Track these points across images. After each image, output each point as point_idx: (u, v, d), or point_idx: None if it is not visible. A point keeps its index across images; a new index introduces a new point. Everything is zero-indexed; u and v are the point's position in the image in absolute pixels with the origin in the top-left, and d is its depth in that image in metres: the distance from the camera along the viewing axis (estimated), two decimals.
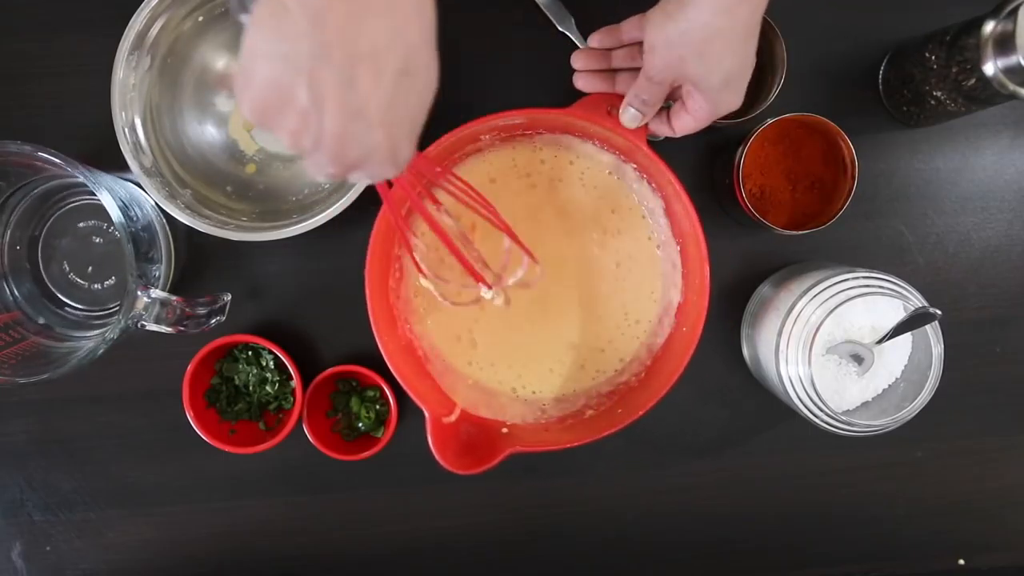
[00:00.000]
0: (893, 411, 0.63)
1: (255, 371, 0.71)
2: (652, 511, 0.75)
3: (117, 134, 0.64)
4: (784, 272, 0.70)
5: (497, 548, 0.75)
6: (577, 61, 0.65)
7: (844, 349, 0.64)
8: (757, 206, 0.66)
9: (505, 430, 0.65)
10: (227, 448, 0.69)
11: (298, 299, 0.73)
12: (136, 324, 0.60)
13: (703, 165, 0.72)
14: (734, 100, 0.57)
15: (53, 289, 0.71)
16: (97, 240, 0.71)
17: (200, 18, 0.68)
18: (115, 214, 0.60)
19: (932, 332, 0.62)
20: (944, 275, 0.73)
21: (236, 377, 0.71)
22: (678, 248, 0.66)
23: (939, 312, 0.61)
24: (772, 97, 0.63)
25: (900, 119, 0.71)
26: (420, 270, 0.59)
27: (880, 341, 0.63)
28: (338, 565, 0.75)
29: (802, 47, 0.66)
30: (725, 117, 0.66)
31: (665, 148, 0.70)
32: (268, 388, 0.71)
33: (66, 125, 0.71)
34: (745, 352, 0.72)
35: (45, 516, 0.74)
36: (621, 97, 0.63)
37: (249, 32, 0.39)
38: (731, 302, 0.72)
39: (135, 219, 0.63)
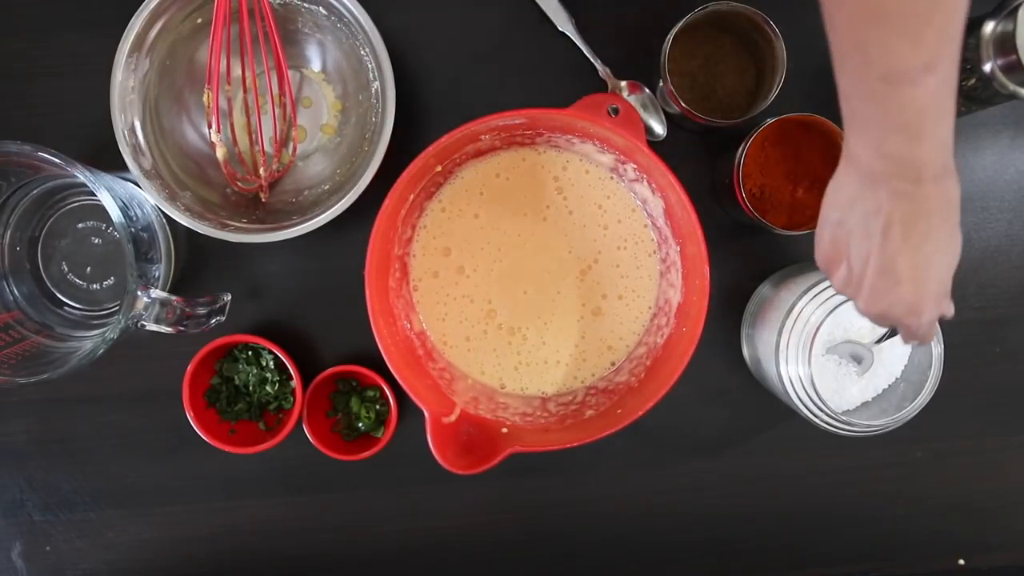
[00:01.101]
0: (893, 411, 0.63)
1: (255, 371, 0.71)
2: (652, 511, 0.75)
3: (117, 136, 0.64)
4: (784, 272, 0.70)
5: (497, 548, 0.75)
6: None
7: (844, 349, 0.64)
8: (757, 206, 0.66)
9: (505, 430, 0.65)
10: (227, 448, 0.69)
11: (298, 299, 0.73)
12: (136, 324, 0.60)
13: (703, 165, 0.72)
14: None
15: (52, 289, 0.71)
16: (96, 240, 0.71)
17: (199, 20, 0.68)
18: (115, 214, 0.60)
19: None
20: None
21: (236, 377, 0.71)
22: (678, 248, 0.66)
23: None
24: (772, 97, 0.63)
25: None
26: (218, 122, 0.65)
27: (879, 341, 0.63)
28: (338, 565, 0.75)
29: (802, 47, 0.66)
30: (725, 117, 0.66)
31: (665, 148, 0.70)
32: (268, 388, 0.71)
33: (66, 125, 0.71)
34: (745, 352, 0.72)
35: (45, 516, 0.74)
36: (618, 96, 0.63)
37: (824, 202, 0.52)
38: (731, 302, 0.72)
39: (135, 219, 0.63)
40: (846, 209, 0.49)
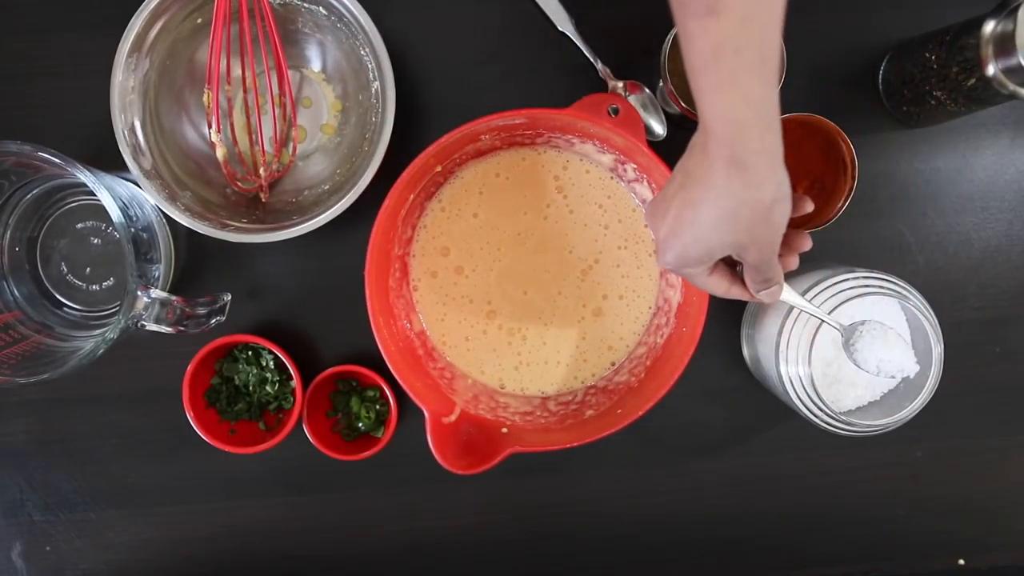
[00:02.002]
0: (893, 411, 0.63)
1: (255, 371, 0.71)
2: (652, 511, 0.75)
3: (117, 137, 0.64)
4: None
5: (497, 548, 0.75)
6: None
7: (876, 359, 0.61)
8: None
9: (505, 430, 0.65)
10: (227, 448, 0.69)
11: (298, 299, 0.73)
12: (136, 324, 0.60)
13: None
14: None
15: (51, 290, 0.71)
16: (95, 241, 0.71)
17: (199, 20, 0.68)
18: (115, 214, 0.60)
19: (932, 332, 0.62)
20: (944, 275, 0.73)
21: (236, 377, 0.71)
22: None
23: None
24: None
25: (900, 119, 0.71)
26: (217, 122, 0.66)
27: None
28: (338, 565, 0.75)
29: (802, 47, 0.66)
30: None
31: (665, 148, 0.70)
32: (268, 388, 0.71)
33: (66, 125, 0.71)
34: (745, 352, 0.72)
35: (45, 516, 0.74)
36: (618, 96, 0.63)
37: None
38: (731, 302, 0.72)
39: (135, 219, 0.63)
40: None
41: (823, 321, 0.60)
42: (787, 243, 0.53)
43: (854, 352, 0.60)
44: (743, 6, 0.40)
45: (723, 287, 0.54)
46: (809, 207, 0.54)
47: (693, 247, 0.49)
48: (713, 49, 0.41)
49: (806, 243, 0.55)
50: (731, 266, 0.55)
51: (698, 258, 0.50)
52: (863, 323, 0.60)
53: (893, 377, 0.61)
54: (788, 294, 0.58)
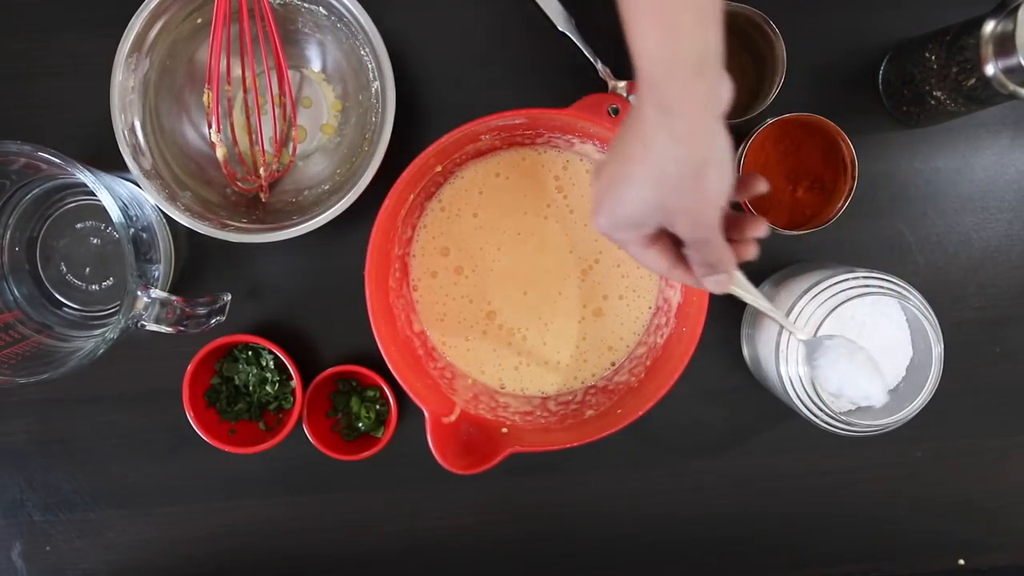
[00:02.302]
0: (893, 411, 0.63)
1: (255, 371, 0.71)
2: (652, 511, 0.75)
3: (117, 137, 0.64)
4: (784, 272, 0.70)
5: (497, 548, 0.75)
6: None
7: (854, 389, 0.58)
8: (757, 206, 0.66)
9: (505, 430, 0.65)
10: (227, 448, 0.69)
11: (298, 299, 0.73)
12: (136, 324, 0.60)
13: None
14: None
15: (51, 290, 0.71)
16: (95, 241, 0.71)
17: (199, 20, 0.68)
18: (115, 214, 0.60)
19: (932, 332, 0.62)
20: (944, 275, 0.73)
21: (236, 377, 0.71)
22: None
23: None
24: (772, 97, 0.63)
25: (900, 119, 0.71)
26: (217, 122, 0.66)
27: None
28: (338, 565, 0.75)
29: (802, 47, 0.66)
30: (726, 117, 0.66)
31: None
32: (268, 388, 0.71)
33: (66, 125, 0.71)
34: (745, 352, 0.72)
35: (45, 516, 0.74)
36: (618, 96, 0.63)
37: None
38: (731, 302, 0.72)
39: (135, 219, 0.63)
40: None
41: (782, 327, 0.58)
42: (739, 227, 0.49)
43: (815, 368, 0.57)
44: None
45: (663, 264, 0.49)
46: (763, 187, 0.50)
47: (621, 207, 0.46)
48: None
49: (760, 228, 0.50)
50: (678, 244, 0.50)
51: (627, 221, 0.46)
52: (830, 338, 0.58)
53: (856, 406, 0.59)
54: (741, 287, 0.53)
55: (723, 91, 0.42)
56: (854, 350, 0.57)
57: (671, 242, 0.49)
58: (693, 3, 0.39)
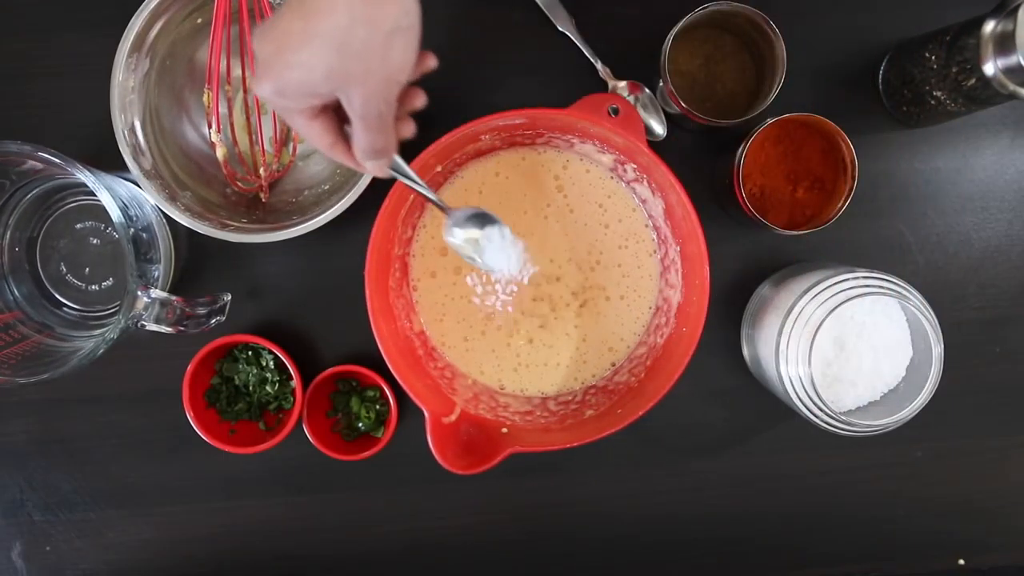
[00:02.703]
0: (893, 411, 0.63)
1: (255, 371, 0.71)
2: (652, 511, 0.75)
3: (117, 137, 0.64)
4: (784, 272, 0.70)
5: (497, 548, 0.75)
6: None
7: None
8: (757, 206, 0.66)
9: (505, 430, 0.65)
10: (227, 448, 0.69)
11: (298, 299, 0.73)
12: (136, 324, 0.60)
13: (703, 165, 0.72)
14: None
15: (51, 290, 0.71)
16: (94, 241, 0.71)
17: (199, 20, 0.68)
18: (115, 214, 0.60)
19: (932, 332, 0.62)
20: (944, 275, 0.73)
21: (236, 377, 0.71)
22: (678, 248, 0.66)
23: None
24: (772, 97, 0.63)
25: (900, 119, 0.71)
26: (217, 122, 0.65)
27: None
28: (338, 565, 0.75)
29: (802, 47, 0.66)
30: (725, 117, 0.66)
31: (665, 148, 0.70)
32: (268, 388, 0.71)
33: (66, 125, 0.71)
34: (745, 352, 0.72)
35: (45, 516, 0.74)
36: (618, 96, 0.63)
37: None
38: (731, 302, 0.72)
39: (135, 219, 0.63)
40: None
41: (433, 202, 0.56)
42: (400, 100, 0.47)
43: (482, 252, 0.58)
44: None
45: (326, 140, 0.46)
46: (432, 63, 0.47)
47: (295, 71, 0.41)
48: None
49: (419, 99, 0.47)
50: (341, 121, 0.47)
51: (299, 88, 0.42)
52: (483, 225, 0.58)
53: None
54: (401, 171, 0.51)
55: None
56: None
57: (336, 117, 0.46)
58: None
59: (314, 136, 0.46)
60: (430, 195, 0.55)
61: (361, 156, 0.46)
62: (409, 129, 0.48)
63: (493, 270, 0.60)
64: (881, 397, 0.66)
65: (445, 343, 0.69)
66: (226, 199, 0.70)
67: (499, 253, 0.58)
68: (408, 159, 0.61)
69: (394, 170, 0.50)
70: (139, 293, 0.60)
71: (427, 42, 0.71)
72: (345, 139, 0.46)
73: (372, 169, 0.47)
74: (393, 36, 0.40)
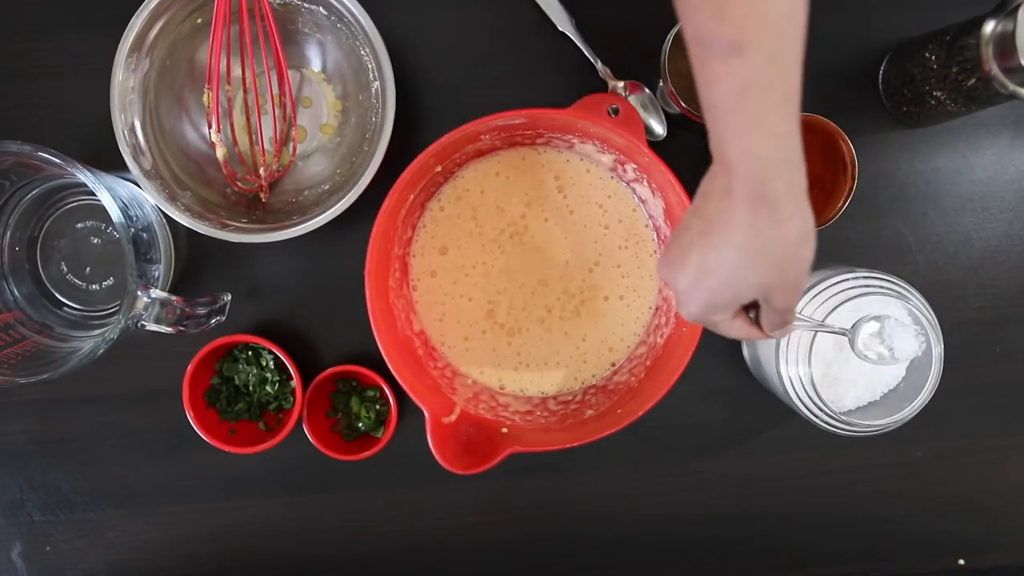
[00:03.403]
0: (893, 411, 0.63)
1: (255, 371, 0.71)
2: (652, 511, 0.75)
3: (117, 137, 0.64)
4: None
5: (497, 548, 0.75)
6: None
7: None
8: None
9: (505, 430, 0.65)
10: (227, 448, 0.69)
11: (298, 299, 0.73)
12: (136, 324, 0.60)
13: (703, 165, 0.71)
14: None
15: (52, 290, 0.71)
16: (95, 241, 0.71)
17: (199, 20, 0.68)
18: (115, 214, 0.60)
19: (932, 332, 0.62)
20: (944, 275, 0.73)
21: (236, 377, 0.71)
22: None
23: None
24: None
25: (900, 119, 0.71)
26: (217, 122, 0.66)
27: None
28: (338, 565, 0.75)
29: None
30: None
31: (665, 148, 0.70)
32: (268, 388, 0.71)
33: (66, 125, 0.71)
34: (745, 352, 0.72)
35: (45, 516, 0.74)
36: (618, 96, 0.63)
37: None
38: None
39: (135, 219, 0.63)
40: (704, 181, 0.49)
41: (830, 331, 0.59)
42: None
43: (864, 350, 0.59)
44: (769, 44, 0.40)
45: (745, 330, 0.52)
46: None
47: (721, 293, 0.47)
48: (739, 89, 0.40)
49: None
50: (745, 309, 0.53)
51: (726, 304, 0.48)
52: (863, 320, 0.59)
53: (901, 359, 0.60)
54: (800, 323, 0.57)
55: (805, 175, 0.44)
56: (885, 321, 0.59)
57: (746, 312, 0.52)
58: (785, 104, 0.41)
59: (737, 330, 0.52)
60: (827, 328, 0.58)
61: (769, 330, 0.51)
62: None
63: (903, 359, 0.59)
64: (881, 397, 0.66)
65: (445, 343, 0.69)
66: (226, 199, 0.70)
67: (905, 338, 0.59)
68: (408, 159, 0.61)
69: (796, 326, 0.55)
70: (139, 293, 0.60)
71: (427, 42, 0.71)
72: (756, 322, 0.52)
73: (779, 335, 0.52)
74: (800, 245, 0.44)
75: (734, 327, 0.52)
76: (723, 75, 0.40)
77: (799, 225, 0.44)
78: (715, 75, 0.41)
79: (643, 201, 0.68)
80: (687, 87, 0.68)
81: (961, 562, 0.76)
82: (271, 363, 0.71)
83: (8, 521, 0.74)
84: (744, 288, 0.47)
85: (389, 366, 0.63)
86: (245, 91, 0.70)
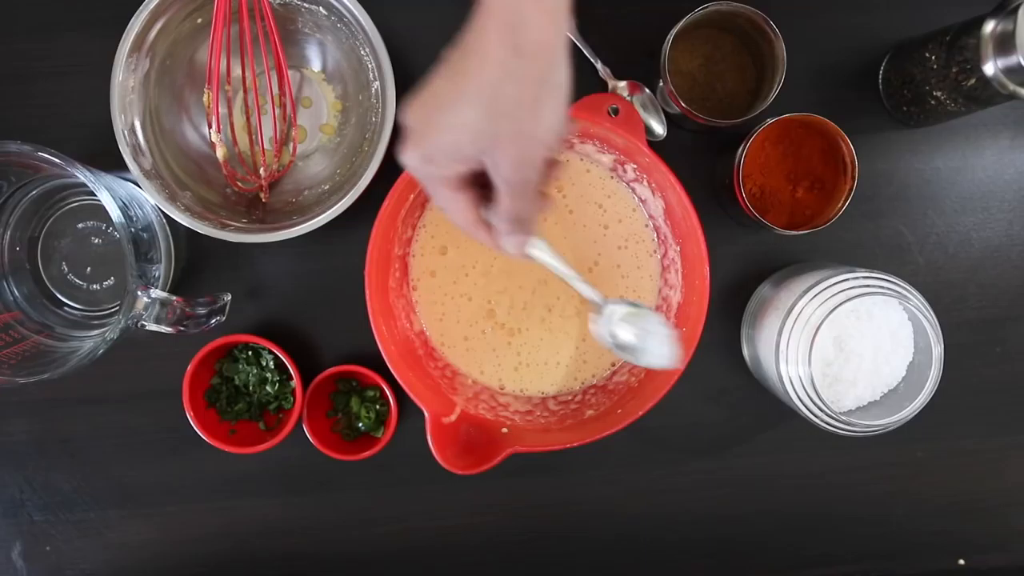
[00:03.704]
0: (893, 411, 0.63)
1: (255, 371, 0.71)
2: (652, 511, 0.75)
3: (117, 137, 0.64)
4: (784, 272, 0.70)
5: (497, 548, 0.75)
6: None
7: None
8: (757, 206, 0.66)
9: (505, 430, 0.65)
10: (227, 448, 0.69)
11: (298, 299, 0.73)
12: (136, 324, 0.60)
13: (703, 165, 0.72)
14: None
15: (52, 289, 0.71)
16: (96, 241, 0.71)
17: (199, 20, 0.68)
18: (115, 214, 0.60)
19: (932, 332, 0.62)
20: (944, 275, 0.73)
21: (236, 377, 0.71)
22: (678, 248, 0.66)
23: None
24: (772, 97, 0.63)
25: (900, 119, 0.71)
26: (217, 122, 0.65)
27: None
28: (338, 565, 0.75)
29: (802, 47, 0.66)
30: (725, 117, 0.66)
31: (665, 148, 0.70)
32: (268, 388, 0.71)
33: (66, 125, 0.71)
34: (745, 352, 0.72)
35: (45, 516, 0.74)
36: (618, 96, 0.63)
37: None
38: (731, 302, 0.72)
39: (135, 219, 0.63)
40: None
41: (590, 299, 0.55)
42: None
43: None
44: None
45: (470, 216, 0.44)
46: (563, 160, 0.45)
47: (443, 133, 0.40)
48: None
49: (561, 171, 0.46)
50: (482, 201, 0.45)
51: (447, 150, 0.41)
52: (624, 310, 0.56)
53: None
54: (541, 249, 0.49)
55: (567, 8, 0.38)
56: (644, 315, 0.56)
57: (479, 195, 0.45)
58: None
59: (458, 211, 0.44)
60: (586, 288, 0.54)
61: (503, 226, 0.44)
62: (548, 204, 0.45)
63: (654, 364, 0.56)
64: (881, 397, 0.66)
65: (445, 343, 0.69)
66: (226, 199, 0.70)
67: (662, 345, 0.55)
68: None
69: (534, 250, 0.48)
70: (139, 293, 0.60)
71: (427, 42, 0.71)
72: (486, 222, 0.45)
73: (511, 246, 0.45)
74: (542, 93, 0.38)
75: (457, 203, 0.44)
76: None
77: (543, 66, 0.38)
78: None
79: (643, 201, 0.68)
80: (687, 87, 0.68)
81: (961, 562, 0.76)
82: (271, 363, 0.71)
83: (8, 521, 0.74)
84: (468, 131, 0.39)
85: (389, 366, 0.63)
86: (245, 91, 0.70)
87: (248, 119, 0.70)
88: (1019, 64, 0.55)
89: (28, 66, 0.71)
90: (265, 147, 0.70)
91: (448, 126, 0.40)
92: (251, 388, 0.71)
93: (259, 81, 0.70)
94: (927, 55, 0.64)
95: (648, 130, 0.70)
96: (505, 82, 0.38)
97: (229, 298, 0.66)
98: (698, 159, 0.71)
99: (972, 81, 0.60)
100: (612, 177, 0.69)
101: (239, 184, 0.70)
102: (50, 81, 0.71)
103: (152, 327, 0.61)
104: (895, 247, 0.73)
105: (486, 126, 0.39)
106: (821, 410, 0.62)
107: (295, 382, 0.70)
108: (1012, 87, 0.57)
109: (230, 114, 0.70)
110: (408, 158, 0.42)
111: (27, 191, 0.69)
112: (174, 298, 0.61)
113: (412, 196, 0.65)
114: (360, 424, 0.72)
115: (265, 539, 0.75)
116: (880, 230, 0.73)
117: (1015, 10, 0.55)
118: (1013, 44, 0.55)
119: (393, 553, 0.75)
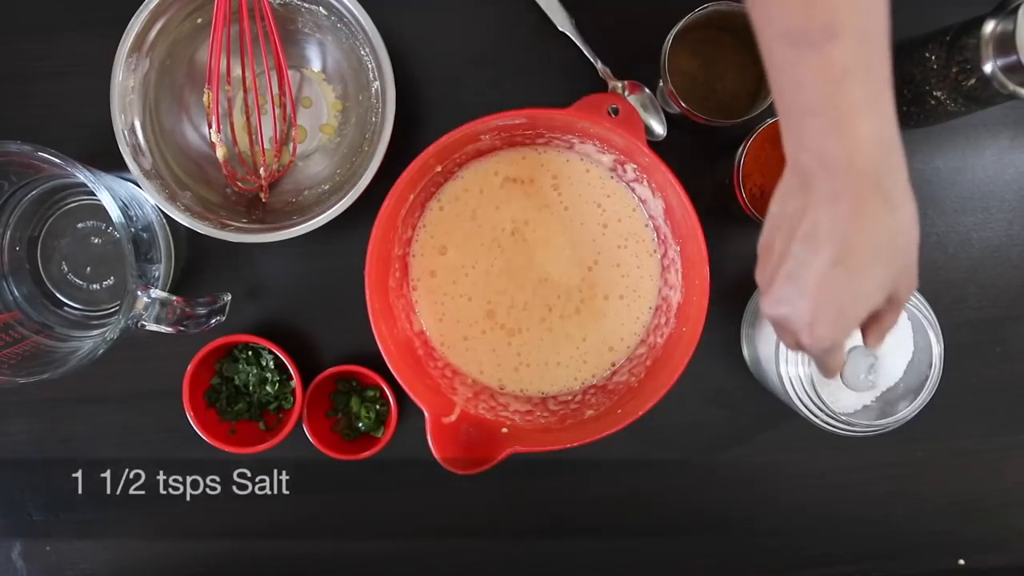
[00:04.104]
0: (893, 411, 0.63)
1: (255, 371, 0.71)
2: (651, 511, 0.75)
3: (117, 137, 0.64)
4: None
5: (497, 548, 0.75)
6: None
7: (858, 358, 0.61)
8: (757, 206, 0.66)
9: (505, 430, 0.65)
10: (227, 448, 0.69)
11: (298, 299, 0.73)
12: (136, 324, 0.60)
13: (703, 165, 0.72)
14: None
15: (52, 289, 0.71)
16: (96, 241, 0.71)
17: (199, 20, 0.68)
18: (115, 214, 0.60)
19: (932, 332, 0.62)
20: (944, 275, 0.73)
21: (236, 377, 0.71)
22: (678, 248, 0.66)
23: None
24: (772, 97, 0.63)
25: (900, 119, 0.71)
26: (217, 121, 0.66)
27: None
28: (338, 565, 0.75)
29: None
30: (725, 117, 0.66)
31: (665, 148, 0.70)
32: (268, 388, 0.71)
33: (66, 125, 0.71)
34: (745, 352, 0.72)
35: (45, 516, 0.74)
36: (618, 96, 0.63)
37: None
38: (731, 302, 0.72)
39: (135, 219, 0.63)
40: (780, 202, 0.46)
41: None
42: None
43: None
44: (863, 24, 0.40)
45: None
46: None
47: (852, 306, 0.44)
48: (841, 73, 0.39)
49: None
50: None
51: (858, 316, 0.44)
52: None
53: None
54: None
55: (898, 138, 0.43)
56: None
57: None
58: (888, 84, 0.41)
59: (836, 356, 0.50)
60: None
61: (871, 343, 0.50)
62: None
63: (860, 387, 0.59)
64: (881, 397, 0.66)
65: (445, 343, 0.69)
66: (226, 199, 0.70)
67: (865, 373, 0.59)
68: (408, 159, 0.61)
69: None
70: (139, 293, 0.60)
71: (427, 42, 0.71)
72: None
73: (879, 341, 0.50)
74: (913, 228, 0.43)
75: (840, 351, 0.49)
76: (819, 66, 0.39)
77: (911, 207, 0.43)
78: (810, 68, 0.40)
79: (643, 201, 0.68)
80: (687, 87, 0.68)
81: (961, 562, 0.76)
82: (271, 363, 0.71)
83: (8, 521, 0.74)
84: (874, 291, 0.44)
85: (389, 366, 0.63)
86: (245, 91, 0.70)
87: (248, 119, 0.70)
88: (1019, 64, 0.55)
89: (28, 66, 0.71)
90: (265, 147, 0.70)
91: (862, 296, 0.43)
92: (251, 388, 0.71)
93: (259, 81, 0.70)
94: (927, 55, 0.64)
95: (648, 130, 0.70)
96: (896, 236, 0.42)
97: (229, 298, 0.66)
98: (698, 159, 0.71)
99: (972, 81, 0.60)
100: (612, 177, 0.69)
101: (239, 184, 0.70)
102: (50, 81, 0.71)
103: (152, 327, 0.61)
104: None
105: (889, 279, 0.44)
106: (821, 410, 0.62)
107: (295, 382, 0.70)
108: (1012, 87, 0.57)
109: (230, 114, 0.70)
110: (821, 346, 0.46)
111: (27, 191, 0.69)
112: (174, 298, 0.61)
113: (412, 196, 0.65)
114: (360, 424, 0.72)
115: (265, 539, 0.75)
116: None
117: (1015, 10, 0.55)
118: (1013, 44, 0.55)
119: (393, 553, 0.75)
